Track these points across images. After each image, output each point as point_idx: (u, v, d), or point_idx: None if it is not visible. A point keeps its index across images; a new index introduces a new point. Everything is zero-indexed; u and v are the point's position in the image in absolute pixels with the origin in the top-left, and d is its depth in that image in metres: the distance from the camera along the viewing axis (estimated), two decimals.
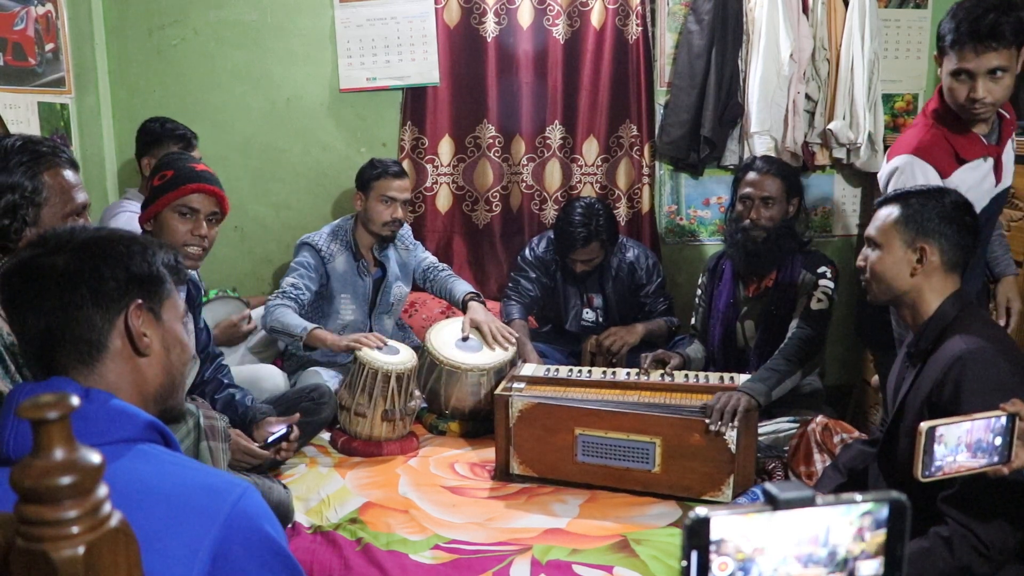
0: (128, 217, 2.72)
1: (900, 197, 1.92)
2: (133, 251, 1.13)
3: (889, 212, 1.91)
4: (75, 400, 0.50)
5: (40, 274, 1.08)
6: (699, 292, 3.11)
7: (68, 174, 1.81)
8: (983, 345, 1.73)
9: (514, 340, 3.06)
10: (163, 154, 2.56)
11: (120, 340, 1.10)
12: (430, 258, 3.43)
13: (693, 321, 3.13)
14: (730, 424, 2.37)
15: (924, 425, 1.37)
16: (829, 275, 2.78)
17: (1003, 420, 1.43)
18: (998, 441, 1.43)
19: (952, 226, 1.84)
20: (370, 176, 3.12)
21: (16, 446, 0.99)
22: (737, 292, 2.95)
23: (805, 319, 2.72)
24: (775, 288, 2.86)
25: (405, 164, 3.53)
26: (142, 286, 1.12)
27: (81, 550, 0.50)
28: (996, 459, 1.44)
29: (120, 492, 0.86)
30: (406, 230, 3.37)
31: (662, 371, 2.76)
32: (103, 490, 0.52)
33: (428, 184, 3.58)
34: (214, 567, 0.97)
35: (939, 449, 1.39)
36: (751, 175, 2.82)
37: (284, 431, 2.37)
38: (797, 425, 2.61)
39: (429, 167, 3.57)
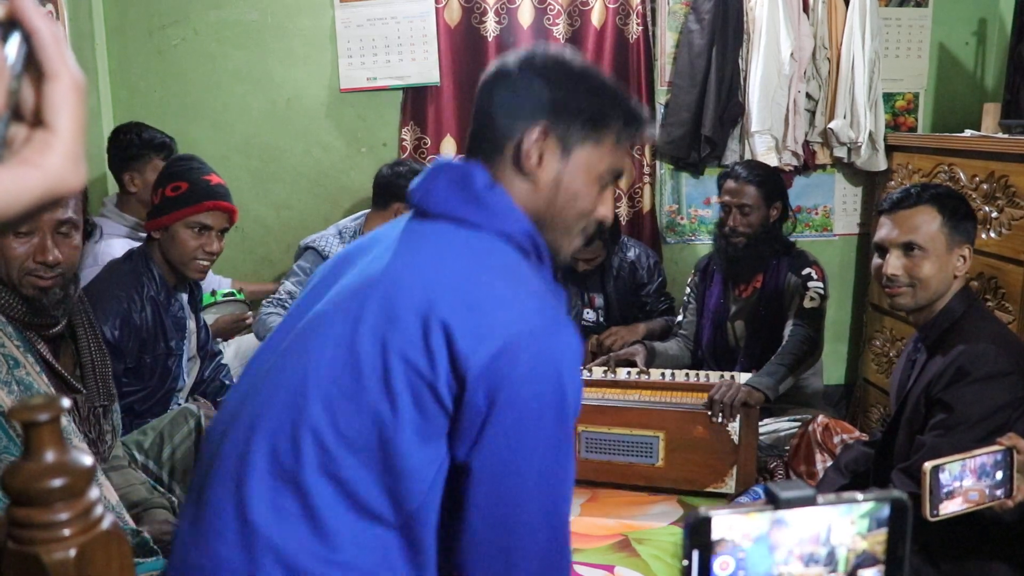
0: (118, 246, 2.60)
1: (935, 199, 1.88)
2: (584, 81, 1.13)
3: (931, 216, 1.87)
4: (65, 403, 0.49)
5: (505, 66, 1.14)
6: (688, 291, 3.11)
7: None
8: (988, 341, 1.75)
9: None
10: (169, 159, 2.48)
11: (514, 151, 1.11)
12: None
13: (680, 319, 3.12)
14: (731, 415, 2.39)
15: (927, 465, 1.37)
16: (815, 276, 2.79)
17: (1000, 455, 1.43)
18: (999, 475, 1.43)
19: (973, 224, 1.89)
20: (392, 195, 2.94)
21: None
22: (727, 293, 2.97)
23: (801, 318, 2.73)
24: (762, 290, 2.87)
25: None
26: (563, 115, 1.11)
27: (73, 552, 0.50)
28: (999, 493, 1.44)
29: (438, 271, 1.03)
30: None
31: (639, 369, 2.77)
32: (95, 492, 0.52)
33: None
34: (460, 388, 0.98)
35: (943, 476, 1.39)
36: (729, 183, 2.83)
37: None
38: (798, 425, 2.61)
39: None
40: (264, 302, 3.07)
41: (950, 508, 1.40)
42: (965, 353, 1.74)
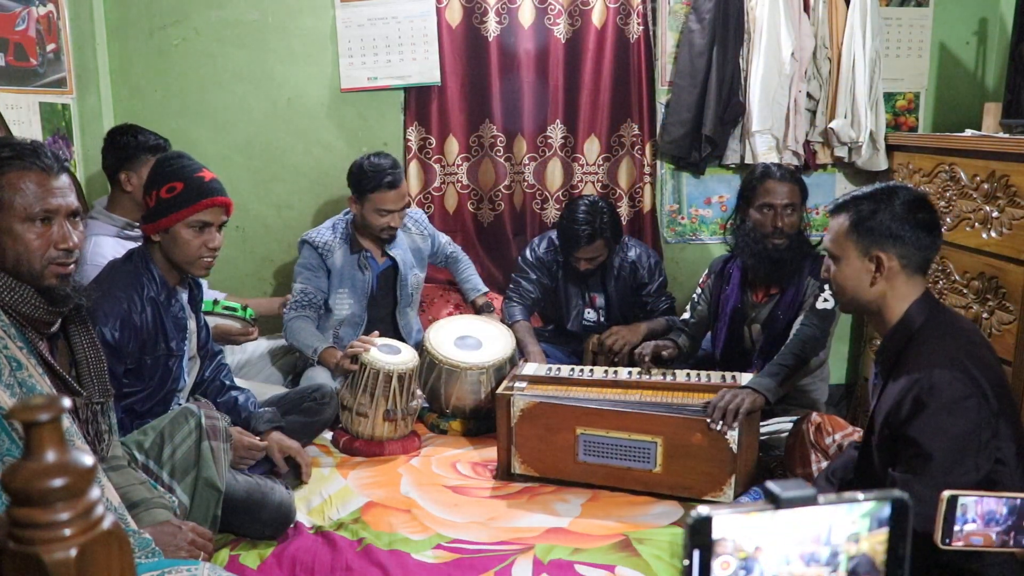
0: (108, 245, 2.63)
1: (850, 204, 1.84)
2: None
3: (841, 222, 1.84)
4: (66, 403, 0.49)
5: None
6: (699, 291, 3.07)
7: (35, 178, 1.61)
8: (942, 365, 1.67)
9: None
10: (156, 160, 2.46)
11: None
12: (451, 246, 3.47)
13: (686, 317, 3.10)
14: (732, 424, 2.36)
15: (946, 493, 1.36)
16: None
17: (1019, 502, 1.42)
18: (1010, 522, 1.42)
19: (906, 227, 1.77)
20: (365, 187, 3.02)
21: None
22: (745, 297, 2.93)
23: (810, 317, 2.70)
24: (783, 294, 2.83)
25: (413, 165, 3.53)
26: None
27: (73, 552, 0.49)
28: (1007, 538, 1.42)
29: None
30: (421, 216, 3.36)
31: (662, 371, 2.75)
32: (95, 492, 0.51)
33: (436, 184, 3.57)
34: None
35: (959, 508, 1.38)
36: (770, 183, 2.77)
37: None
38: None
39: (437, 167, 3.57)
40: (285, 309, 3.09)
41: (961, 543, 1.39)
42: (920, 382, 1.67)
